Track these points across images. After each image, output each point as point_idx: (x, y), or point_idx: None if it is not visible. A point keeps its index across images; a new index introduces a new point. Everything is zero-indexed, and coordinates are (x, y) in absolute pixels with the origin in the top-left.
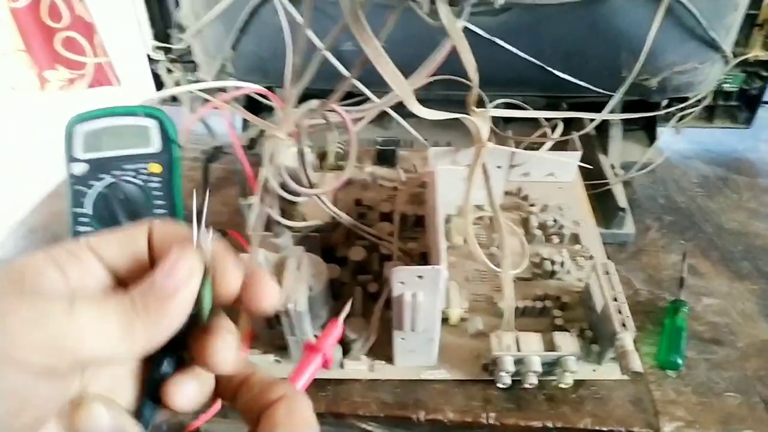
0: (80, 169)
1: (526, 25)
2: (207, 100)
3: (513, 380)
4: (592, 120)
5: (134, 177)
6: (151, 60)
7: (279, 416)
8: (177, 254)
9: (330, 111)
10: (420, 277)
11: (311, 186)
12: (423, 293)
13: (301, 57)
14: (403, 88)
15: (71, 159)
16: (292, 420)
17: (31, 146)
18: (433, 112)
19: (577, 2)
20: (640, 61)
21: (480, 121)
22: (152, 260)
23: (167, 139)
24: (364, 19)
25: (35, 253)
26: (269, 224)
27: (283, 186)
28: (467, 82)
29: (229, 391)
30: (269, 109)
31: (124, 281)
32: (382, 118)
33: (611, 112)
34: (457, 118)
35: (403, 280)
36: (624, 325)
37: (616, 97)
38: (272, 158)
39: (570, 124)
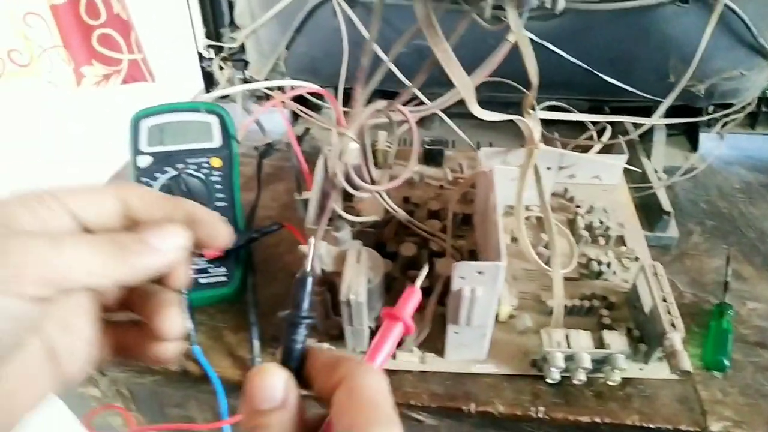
0: (145, 161)
1: (577, 30)
2: (259, 99)
3: (561, 376)
4: (638, 125)
5: (197, 170)
6: (201, 58)
7: (341, 403)
8: (173, 229)
9: (393, 111)
10: (480, 272)
11: (373, 183)
12: (482, 288)
13: (368, 61)
14: (467, 90)
15: (137, 152)
16: (353, 403)
17: (71, 140)
18: (489, 113)
19: (630, 9)
20: (691, 68)
21: (533, 123)
22: (125, 221)
23: (227, 135)
24: (437, 24)
25: (8, 199)
26: (329, 219)
27: (347, 181)
28: (519, 87)
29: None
30: (317, 108)
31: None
32: (425, 118)
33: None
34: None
35: (464, 275)
36: (673, 325)
37: (666, 103)
38: (341, 155)
39: (613, 127)
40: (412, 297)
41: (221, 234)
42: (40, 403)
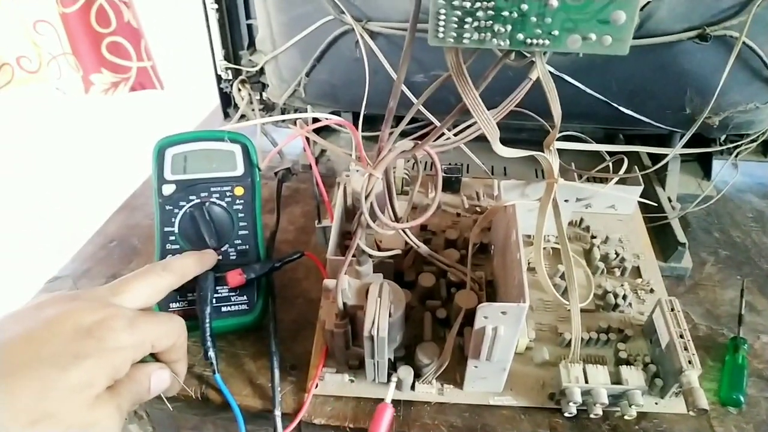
0: (169, 190)
1: (596, 65)
2: (277, 121)
3: (578, 410)
4: (654, 155)
5: (220, 199)
6: (219, 79)
7: None
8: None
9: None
10: (504, 312)
11: (396, 217)
12: (504, 327)
13: (395, 103)
14: (492, 132)
15: (162, 181)
16: None
17: (79, 146)
18: (511, 150)
19: (650, 45)
20: (710, 103)
21: (552, 158)
22: None
23: (250, 163)
24: (467, 73)
25: None
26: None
27: (372, 218)
28: (536, 117)
29: None
30: (333, 131)
31: None
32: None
33: (669, 146)
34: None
35: (487, 315)
36: (690, 362)
37: (686, 137)
38: (368, 196)
39: (628, 156)
40: (384, 415)
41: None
42: None
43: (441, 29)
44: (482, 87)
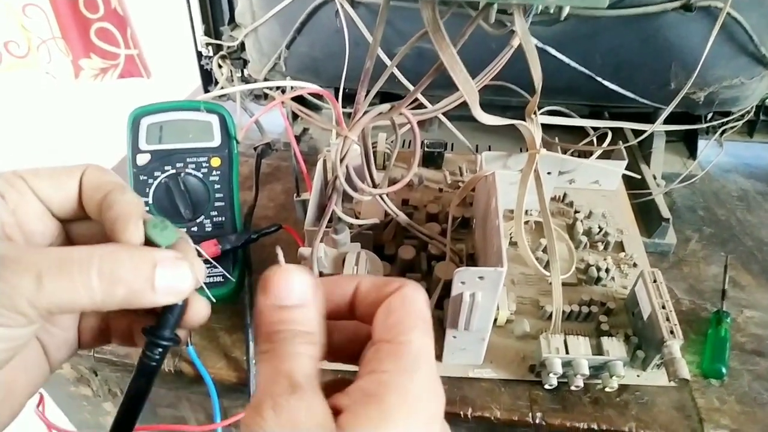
0: (144, 159)
1: (580, 36)
2: (257, 98)
3: (559, 382)
4: (638, 131)
5: (196, 170)
6: (200, 56)
7: (394, 304)
8: (185, 271)
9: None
10: (481, 278)
11: (374, 185)
12: (482, 294)
13: (371, 63)
14: (472, 95)
15: (135, 150)
16: (406, 308)
17: (68, 132)
18: (492, 117)
19: (633, 15)
20: (693, 76)
21: (534, 127)
22: (81, 200)
23: (227, 134)
24: (444, 29)
25: None
26: (329, 220)
27: (349, 184)
28: (520, 91)
29: (342, 312)
30: (315, 108)
31: (55, 214)
32: (424, 120)
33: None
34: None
35: (464, 280)
36: (672, 332)
37: (668, 110)
38: (344, 158)
39: (613, 133)
40: None
41: None
42: (38, 388)
43: None
44: (459, 44)
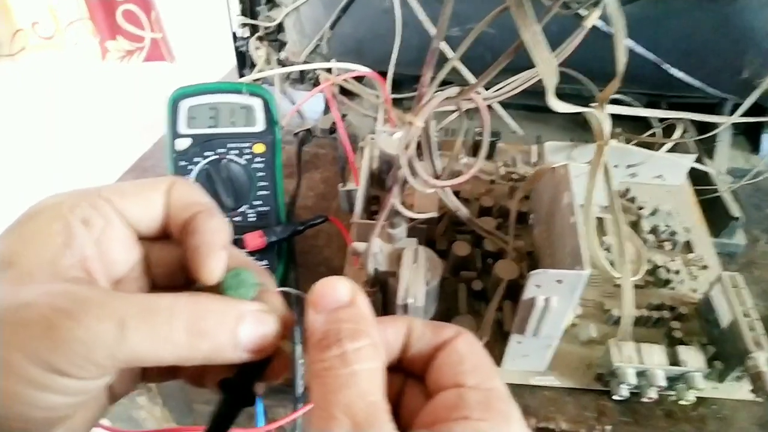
0: (184, 144)
1: (649, 19)
2: (294, 82)
3: (629, 392)
4: (706, 125)
5: (239, 156)
6: (234, 37)
7: (462, 350)
8: (271, 323)
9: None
10: (559, 281)
11: (437, 176)
12: (557, 298)
13: (438, 42)
14: (550, 78)
15: (175, 134)
16: (477, 354)
17: (95, 113)
18: (565, 105)
19: None
20: None
21: (604, 117)
22: (164, 217)
23: (271, 119)
24: (528, 3)
25: (62, 200)
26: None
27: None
28: (584, 78)
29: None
30: (351, 94)
31: (140, 236)
32: (472, 108)
33: (723, 114)
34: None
35: (540, 283)
36: (758, 343)
37: (747, 103)
38: (408, 147)
39: (673, 125)
40: None
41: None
42: (95, 424)
43: None
44: (543, 21)
